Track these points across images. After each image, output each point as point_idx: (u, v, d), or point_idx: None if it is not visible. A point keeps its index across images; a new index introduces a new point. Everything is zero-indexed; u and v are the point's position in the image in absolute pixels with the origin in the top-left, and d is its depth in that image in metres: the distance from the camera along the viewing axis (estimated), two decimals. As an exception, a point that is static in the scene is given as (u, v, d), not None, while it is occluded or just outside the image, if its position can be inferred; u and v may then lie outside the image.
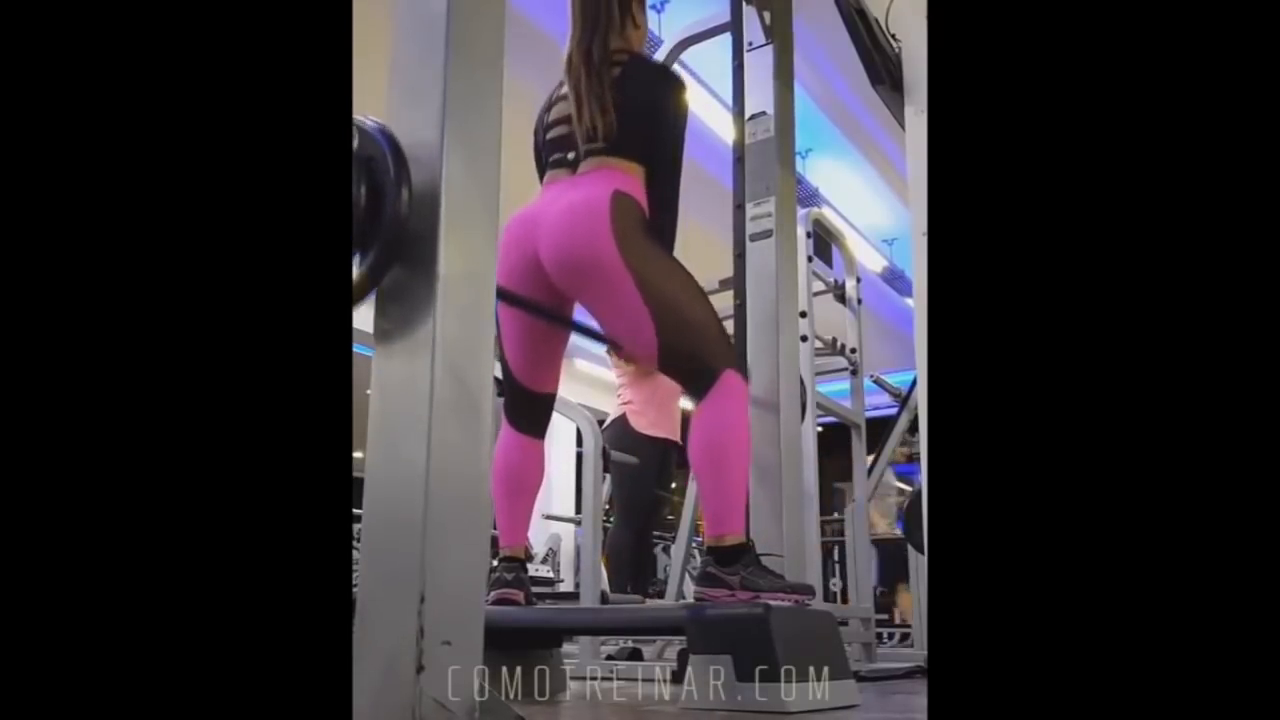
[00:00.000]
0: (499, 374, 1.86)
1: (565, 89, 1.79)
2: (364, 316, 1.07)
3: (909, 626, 4.69)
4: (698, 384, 1.68)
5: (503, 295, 1.72)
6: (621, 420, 3.86)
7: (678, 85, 1.77)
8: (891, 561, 4.88)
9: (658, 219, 1.70)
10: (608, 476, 3.83)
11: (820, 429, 3.43)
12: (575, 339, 1.91)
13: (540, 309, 1.76)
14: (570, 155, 1.73)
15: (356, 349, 1.08)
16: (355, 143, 1.02)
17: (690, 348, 1.66)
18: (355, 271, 1.03)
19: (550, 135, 1.81)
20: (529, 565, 2.10)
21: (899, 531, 4.95)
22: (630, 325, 1.67)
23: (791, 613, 1.59)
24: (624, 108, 1.70)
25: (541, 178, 1.81)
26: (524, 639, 1.85)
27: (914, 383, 3.81)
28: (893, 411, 4.46)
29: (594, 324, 1.77)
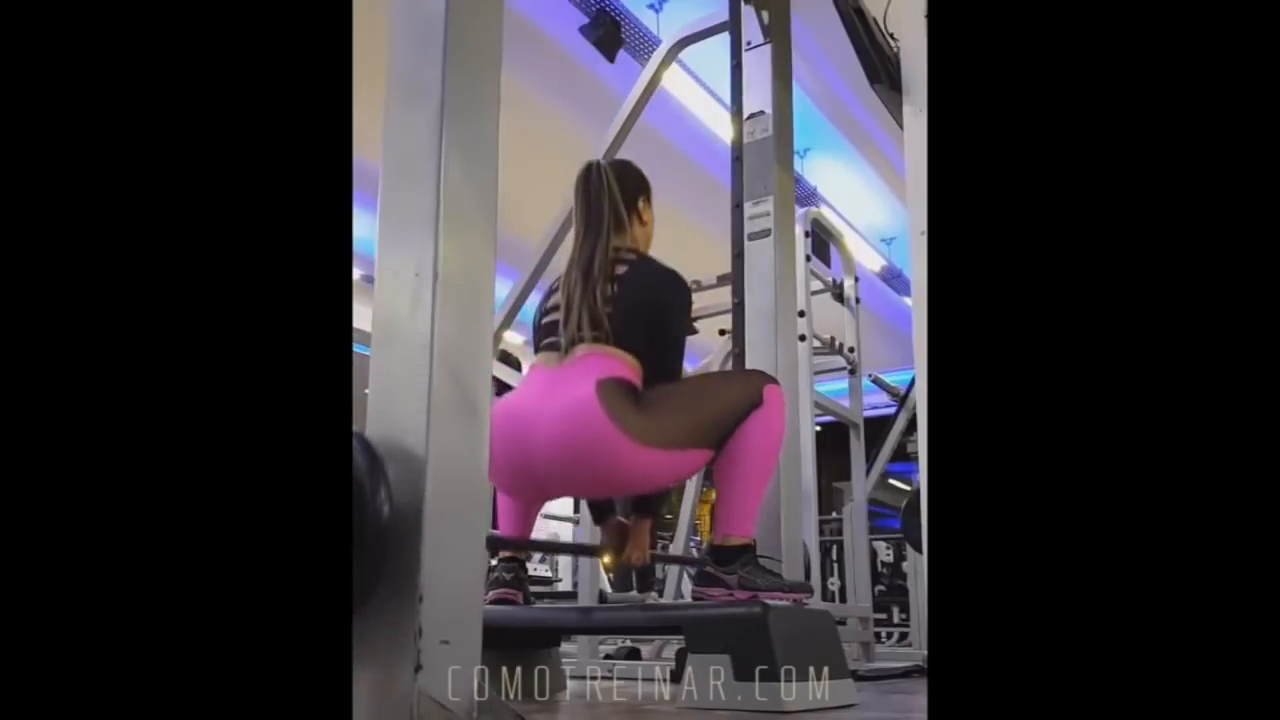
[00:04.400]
0: (498, 374, 1.86)
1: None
2: (364, 315, 1.07)
3: (907, 626, 4.70)
4: (750, 414, 1.70)
5: (499, 543, 1.81)
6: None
7: (683, 289, 1.79)
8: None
9: (654, 389, 1.69)
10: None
11: (818, 428, 3.44)
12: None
13: (536, 546, 1.89)
14: (561, 340, 1.73)
15: (356, 349, 1.08)
16: None
17: (733, 419, 1.69)
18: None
19: (545, 320, 1.82)
20: (527, 564, 2.10)
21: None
22: (678, 472, 1.72)
23: (790, 612, 1.59)
24: (625, 305, 1.71)
25: (536, 350, 1.81)
26: (522, 638, 1.85)
27: (912, 382, 3.81)
28: (891, 411, 4.47)
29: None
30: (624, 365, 1.67)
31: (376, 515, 1.00)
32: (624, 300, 1.71)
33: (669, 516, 4.82)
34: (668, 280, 1.77)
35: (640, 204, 1.87)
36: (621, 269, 1.74)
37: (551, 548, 1.94)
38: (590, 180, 1.83)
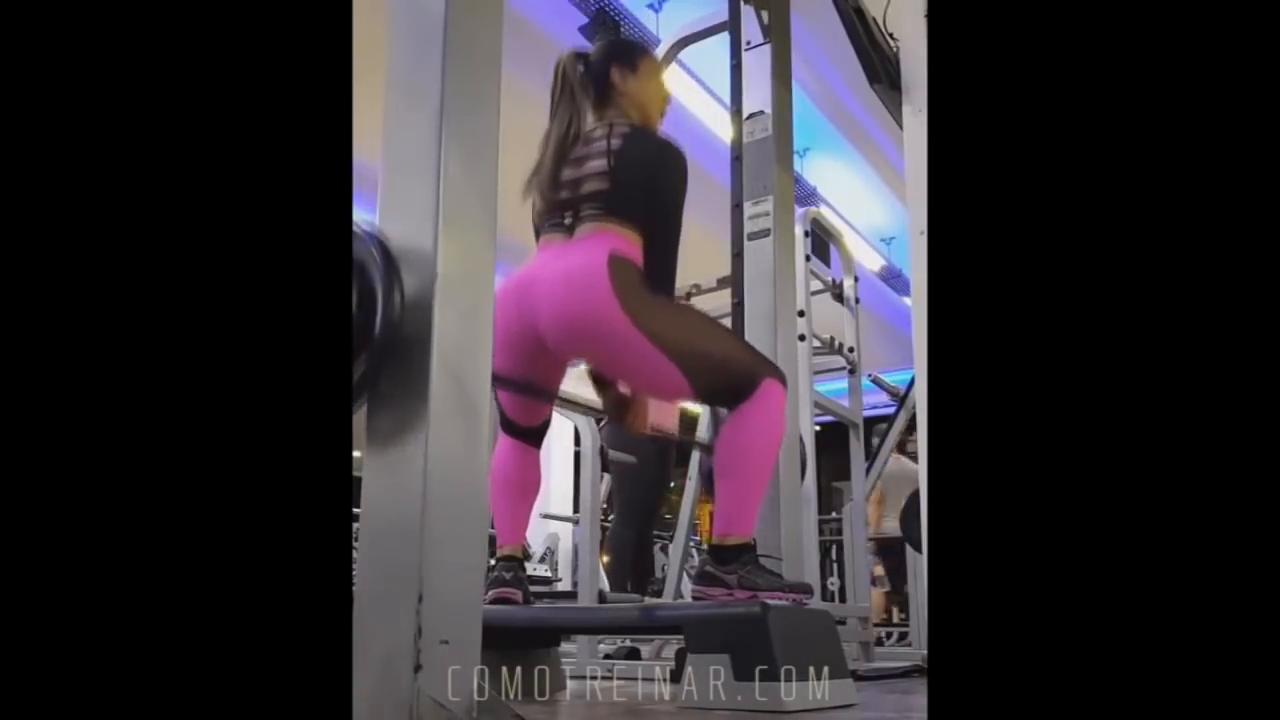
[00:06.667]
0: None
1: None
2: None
3: (907, 626, 4.70)
4: (740, 400, 1.69)
5: (499, 380, 1.77)
6: (620, 418, 3.85)
7: (677, 158, 1.78)
8: (892, 560, 4.88)
9: (657, 278, 1.70)
10: (606, 475, 3.83)
11: (818, 428, 3.44)
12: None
13: (536, 390, 1.81)
14: (567, 219, 1.74)
15: (355, 348, 1.08)
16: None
17: (725, 378, 1.68)
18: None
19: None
20: (527, 564, 2.10)
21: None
22: (654, 379, 1.70)
23: (789, 612, 1.59)
24: (622, 175, 1.71)
25: (537, 238, 1.81)
26: (522, 638, 1.85)
27: (912, 381, 3.81)
28: (890, 411, 4.46)
29: (586, 395, 1.80)
30: (630, 244, 1.68)
31: (388, 316, 1.03)
32: (621, 173, 1.71)
33: (668, 516, 4.82)
34: (663, 151, 1.76)
35: (615, 73, 1.86)
36: (616, 142, 1.74)
37: (553, 396, 1.92)
38: (556, 70, 1.85)
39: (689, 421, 2.94)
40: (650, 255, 1.70)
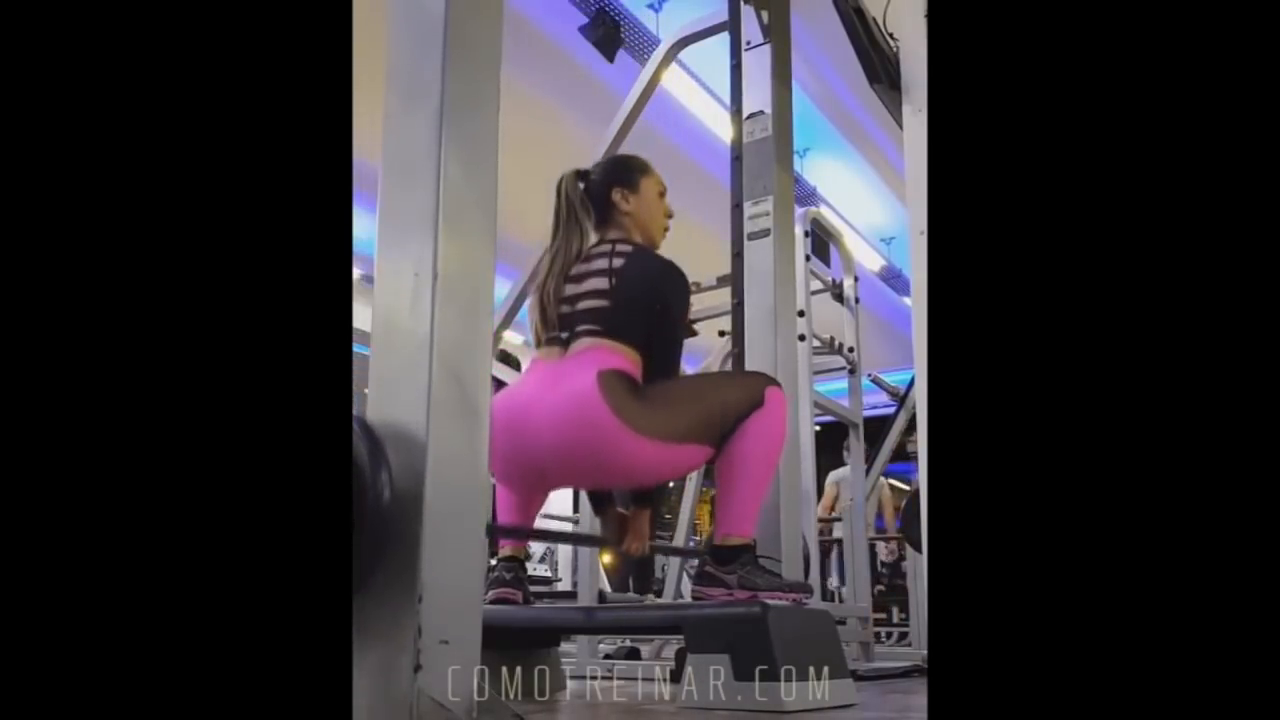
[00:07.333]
0: (498, 374, 1.87)
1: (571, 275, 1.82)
2: (364, 315, 1.07)
3: (907, 626, 4.70)
4: (751, 415, 1.71)
5: (500, 531, 1.81)
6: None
7: (679, 279, 1.78)
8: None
9: (655, 384, 1.69)
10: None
11: (818, 428, 3.44)
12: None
13: (536, 535, 1.88)
14: (564, 335, 1.74)
15: (356, 349, 1.08)
16: None
17: (734, 419, 1.70)
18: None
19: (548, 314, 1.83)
20: (527, 564, 2.10)
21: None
22: (677, 467, 1.73)
23: (789, 612, 1.59)
24: (622, 294, 1.71)
25: (536, 347, 1.82)
26: (522, 638, 1.85)
27: (911, 381, 3.81)
28: (890, 410, 4.47)
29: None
30: (624, 358, 1.67)
31: (377, 510, 1.00)
32: (622, 293, 1.71)
33: (668, 516, 4.83)
34: (666, 272, 1.77)
35: (616, 194, 1.86)
36: (619, 261, 1.74)
37: (552, 536, 1.94)
38: (558, 191, 1.86)
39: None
40: (650, 369, 1.70)
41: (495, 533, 1.80)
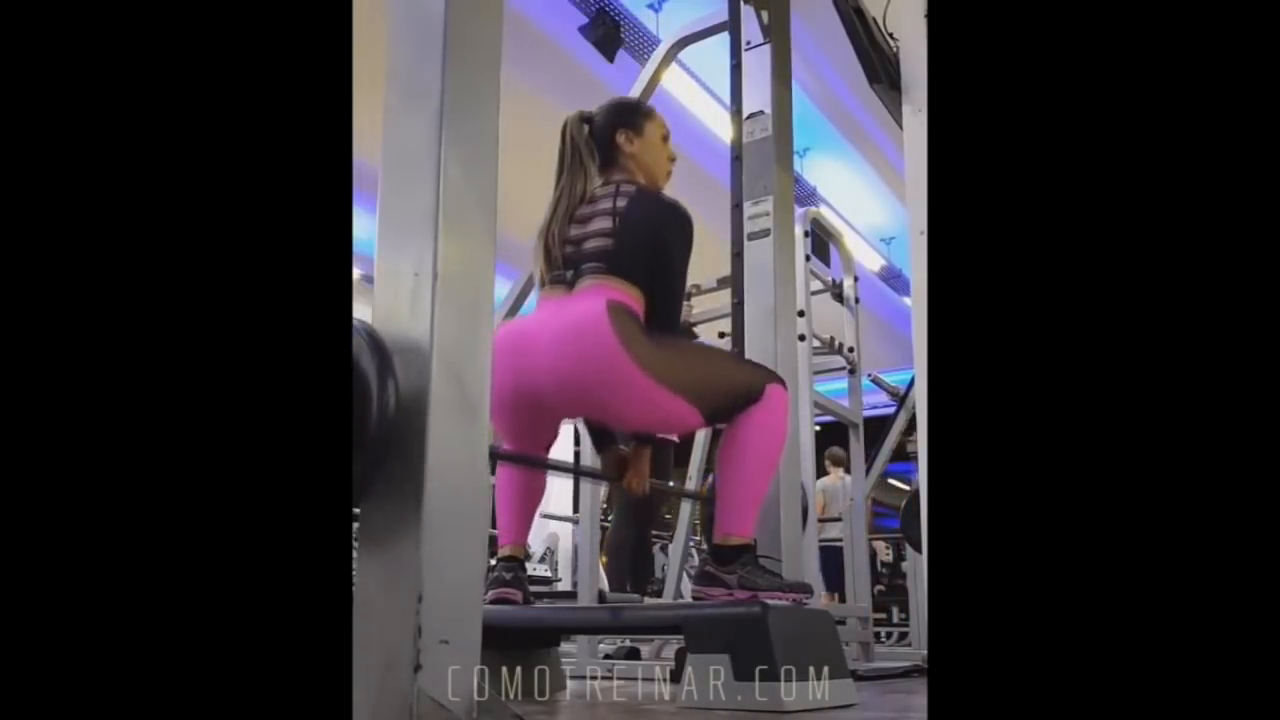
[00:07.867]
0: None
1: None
2: (364, 315, 1.07)
3: (907, 626, 4.70)
4: (746, 409, 1.71)
5: (502, 457, 1.79)
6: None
7: (683, 218, 1.78)
8: (830, 566, 4.87)
9: (659, 328, 1.70)
10: (606, 475, 3.81)
11: (818, 428, 3.44)
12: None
13: (537, 462, 1.84)
14: (569, 275, 1.75)
15: (355, 348, 1.08)
16: None
17: (730, 399, 1.71)
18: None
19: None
20: (527, 564, 2.10)
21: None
22: (664, 418, 1.72)
23: (789, 612, 1.59)
24: (626, 235, 1.72)
25: (540, 289, 1.83)
26: (522, 638, 1.85)
27: (911, 381, 3.81)
28: (890, 410, 4.47)
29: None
30: (630, 296, 1.69)
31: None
32: (626, 233, 1.72)
33: (668, 516, 4.82)
34: (668, 213, 1.77)
35: (620, 136, 1.87)
36: (622, 202, 1.75)
37: (553, 466, 1.93)
38: (563, 134, 1.88)
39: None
40: (652, 310, 1.71)
41: (494, 457, 1.77)
